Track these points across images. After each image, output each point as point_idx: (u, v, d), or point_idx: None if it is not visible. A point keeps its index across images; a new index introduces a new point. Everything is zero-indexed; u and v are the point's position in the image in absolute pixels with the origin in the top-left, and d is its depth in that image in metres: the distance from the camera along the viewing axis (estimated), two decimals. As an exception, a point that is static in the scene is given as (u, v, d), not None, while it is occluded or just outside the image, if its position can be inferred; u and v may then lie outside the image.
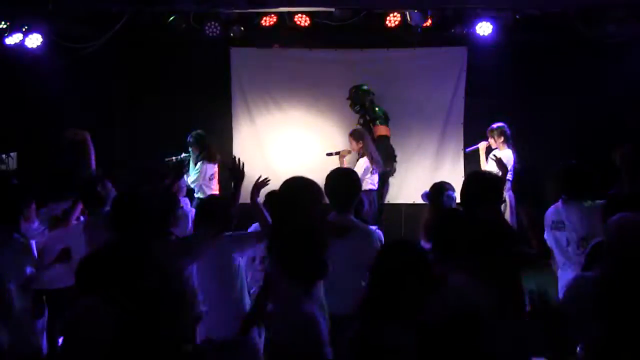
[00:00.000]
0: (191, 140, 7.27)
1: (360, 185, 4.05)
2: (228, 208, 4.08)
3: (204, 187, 7.26)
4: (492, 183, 3.87)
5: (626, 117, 7.62)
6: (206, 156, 7.27)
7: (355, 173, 4.20)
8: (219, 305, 3.94)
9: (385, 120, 7.95)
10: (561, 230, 4.46)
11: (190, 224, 5.20)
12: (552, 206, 4.58)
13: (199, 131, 7.33)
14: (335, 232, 3.58)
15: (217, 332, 3.91)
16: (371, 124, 7.88)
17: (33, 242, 4.21)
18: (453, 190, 4.54)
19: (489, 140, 7.26)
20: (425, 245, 4.35)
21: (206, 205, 4.31)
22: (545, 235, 4.49)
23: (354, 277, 3.45)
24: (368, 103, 7.88)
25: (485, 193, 3.71)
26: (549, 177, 4.63)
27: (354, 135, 7.43)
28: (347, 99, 7.95)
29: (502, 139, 7.15)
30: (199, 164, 7.24)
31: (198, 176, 7.22)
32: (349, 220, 3.78)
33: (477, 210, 3.55)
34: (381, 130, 7.84)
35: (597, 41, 7.11)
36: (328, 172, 3.95)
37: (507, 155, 6.98)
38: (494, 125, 7.20)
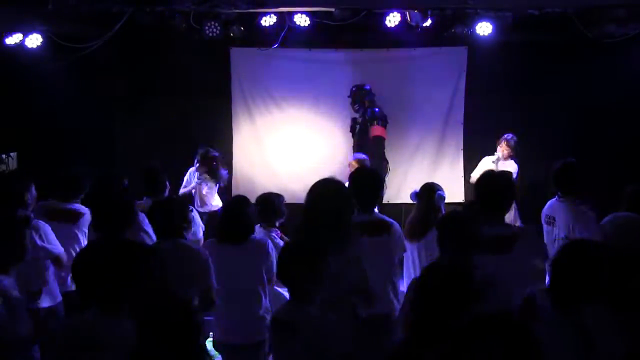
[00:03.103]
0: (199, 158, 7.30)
1: (382, 187, 4.12)
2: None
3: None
4: (510, 184, 3.88)
5: (626, 117, 7.62)
6: (208, 173, 7.31)
7: (379, 174, 4.26)
8: (237, 307, 3.90)
9: (383, 122, 7.92)
10: (551, 225, 4.62)
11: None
12: (549, 201, 4.67)
13: (207, 149, 7.34)
14: (375, 230, 3.69)
15: (234, 336, 3.87)
16: (368, 124, 7.85)
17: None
18: (442, 190, 4.67)
19: (499, 147, 7.30)
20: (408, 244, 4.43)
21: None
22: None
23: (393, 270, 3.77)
24: (367, 103, 7.86)
25: (503, 196, 3.73)
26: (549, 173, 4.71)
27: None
28: (348, 97, 7.95)
29: (508, 150, 7.24)
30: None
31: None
32: (379, 217, 3.90)
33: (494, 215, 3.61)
34: (377, 130, 7.81)
35: (597, 41, 7.10)
36: (352, 173, 4.19)
37: (511, 166, 7.17)
38: (508, 136, 7.27)
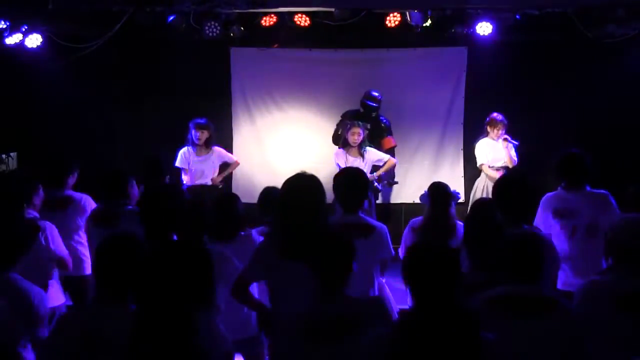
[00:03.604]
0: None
1: (368, 187, 4.09)
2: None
3: None
4: (527, 186, 3.83)
5: (626, 117, 7.62)
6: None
7: (365, 174, 4.19)
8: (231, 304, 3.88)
9: (390, 131, 7.86)
10: (566, 218, 4.47)
11: None
12: (552, 193, 4.59)
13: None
14: (360, 232, 3.64)
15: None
16: (383, 134, 7.72)
17: None
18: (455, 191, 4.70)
19: (494, 130, 7.16)
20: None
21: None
22: (540, 221, 4.51)
23: (376, 273, 3.72)
24: (375, 114, 7.68)
25: (522, 198, 3.73)
26: (552, 165, 4.63)
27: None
28: (363, 99, 7.63)
29: (503, 131, 7.15)
30: None
31: None
32: (364, 219, 3.84)
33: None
34: (391, 142, 7.75)
35: (597, 41, 7.11)
36: (337, 174, 4.08)
37: (509, 146, 7.12)
38: (499, 117, 7.15)
